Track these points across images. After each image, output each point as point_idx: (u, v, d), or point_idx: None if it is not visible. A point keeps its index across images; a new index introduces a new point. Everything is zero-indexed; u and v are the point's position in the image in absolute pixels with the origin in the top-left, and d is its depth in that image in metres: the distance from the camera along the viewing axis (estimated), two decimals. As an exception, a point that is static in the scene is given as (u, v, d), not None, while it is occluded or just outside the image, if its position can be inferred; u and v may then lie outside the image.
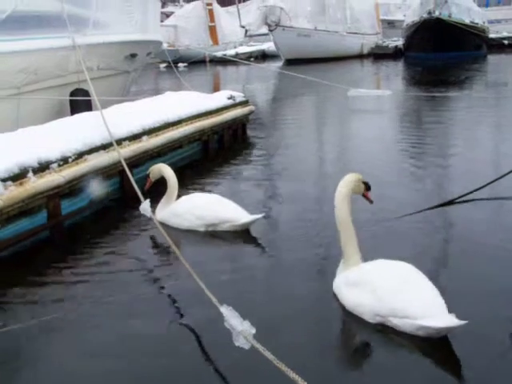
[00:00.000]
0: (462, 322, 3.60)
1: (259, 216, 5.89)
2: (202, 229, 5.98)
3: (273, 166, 9.09)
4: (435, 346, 3.73)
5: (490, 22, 38.33)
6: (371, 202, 4.73)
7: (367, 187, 4.66)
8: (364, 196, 4.70)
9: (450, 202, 6.55)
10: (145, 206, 5.75)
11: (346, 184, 4.51)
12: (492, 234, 5.68)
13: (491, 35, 37.13)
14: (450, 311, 3.76)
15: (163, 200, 6.39)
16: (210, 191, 7.50)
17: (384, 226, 6.02)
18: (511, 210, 6.61)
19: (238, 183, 8.19)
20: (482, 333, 3.82)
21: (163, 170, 6.60)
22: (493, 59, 32.30)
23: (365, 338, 3.89)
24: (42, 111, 9.65)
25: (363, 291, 4.08)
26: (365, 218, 6.27)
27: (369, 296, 4.02)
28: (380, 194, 7.10)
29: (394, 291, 3.92)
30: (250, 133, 11.60)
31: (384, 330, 3.90)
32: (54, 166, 6.44)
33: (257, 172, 8.63)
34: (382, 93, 15.37)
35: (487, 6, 42.09)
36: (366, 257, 4.48)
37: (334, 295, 4.36)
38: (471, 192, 6.66)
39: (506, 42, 37.15)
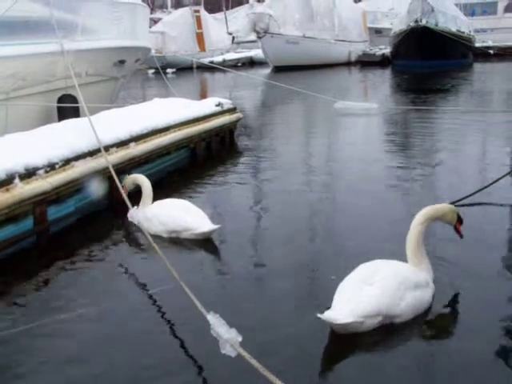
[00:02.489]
0: (342, 321, 3.77)
1: (217, 226, 5.92)
2: (165, 235, 6.01)
3: (259, 173, 9.12)
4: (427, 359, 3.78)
5: (476, 31, 38.68)
6: (461, 236, 4.87)
7: (460, 220, 4.82)
8: (455, 228, 4.84)
9: None
10: (133, 213, 5.79)
11: (431, 210, 4.68)
12: (483, 239, 5.79)
13: (477, 44, 37.47)
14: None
15: (140, 205, 6.41)
16: (196, 198, 7.54)
17: (378, 229, 6.14)
18: (498, 214, 6.71)
19: (224, 190, 8.20)
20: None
21: (137, 178, 6.66)
22: (479, 68, 32.59)
23: (353, 348, 3.90)
24: (30, 117, 9.62)
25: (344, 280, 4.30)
26: (359, 222, 6.35)
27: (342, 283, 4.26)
28: (370, 200, 7.23)
29: (347, 281, 4.18)
30: (237, 140, 11.63)
31: (372, 342, 3.93)
32: (41, 172, 6.42)
33: (243, 179, 8.66)
34: (368, 106, 15.45)
35: (473, 15, 42.45)
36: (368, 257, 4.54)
37: None
38: (463, 198, 6.76)
39: (491, 51, 37.47)
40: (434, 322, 4.25)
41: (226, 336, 3.30)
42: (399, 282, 4.15)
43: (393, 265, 4.38)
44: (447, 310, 4.44)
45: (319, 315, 3.85)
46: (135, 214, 5.78)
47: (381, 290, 4.03)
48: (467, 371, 3.62)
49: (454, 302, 4.54)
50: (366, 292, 4.00)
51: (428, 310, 4.31)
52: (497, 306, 4.42)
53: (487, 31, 41.16)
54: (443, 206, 4.84)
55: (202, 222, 6.00)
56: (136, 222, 5.84)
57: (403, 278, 4.21)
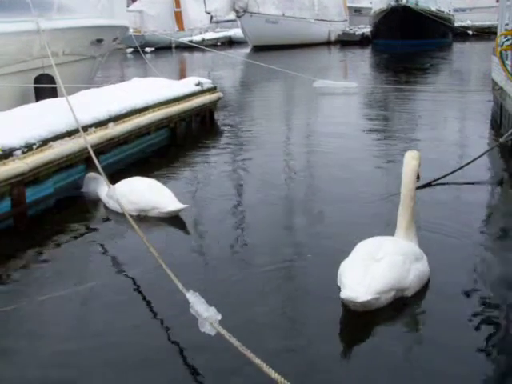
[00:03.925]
0: (363, 299, 3.80)
1: (185, 206, 5.96)
2: (134, 213, 5.95)
3: (239, 152, 9.10)
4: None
5: (455, 10, 38.77)
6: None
7: None
8: None
9: (424, 186, 6.64)
10: (110, 192, 5.80)
11: (415, 158, 4.56)
12: (458, 216, 5.92)
13: (456, 24, 37.59)
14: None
15: (101, 187, 6.45)
16: (175, 178, 7.58)
17: (358, 208, 6.20)
18: (477, 192, 6.80)
19: (203, 170, 8.18)
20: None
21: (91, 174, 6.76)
22: (458, 47, 32.74)
23: (332, 322, 3.94)
24: (6, 97, 9.49)
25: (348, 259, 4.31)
26: (337, 201, 6.38)
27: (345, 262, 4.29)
28: (351, 179, 7.27)
29: (353, 261, 4.21)
30: (217, 119, 11.59)
31: (355, 318, 3.97)
32: (18, 153, 6.36)
33: (223, 159, 8.65)
34: (347, 84, 15.48)
35: (452, -6, 42.52)
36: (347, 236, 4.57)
37: None
38: (435, 180, 6.82)
39: (470, 32, 37.56)
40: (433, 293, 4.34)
41: (206, 314, 3.32)
42: (404, 256, 4.24)
43: (392, 240, 4.44)
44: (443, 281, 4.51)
45: (341, 295, 3.86)
46: (113, 193, 5.79)
47: (390, 266, 4.09)
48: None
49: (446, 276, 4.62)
50: (377, 269, 4.04)
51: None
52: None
53: (466, 10, 41.29)
54: (411, 156, 4.60)
55: (170, 201, 6.03)
56: (106, 202, 6.14)
57: (405, 251, 4.30)
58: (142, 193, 6.10)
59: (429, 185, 6.73)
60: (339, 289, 4.10)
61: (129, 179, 6.45)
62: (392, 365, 3.51)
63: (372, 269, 4.03)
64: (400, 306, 4.11)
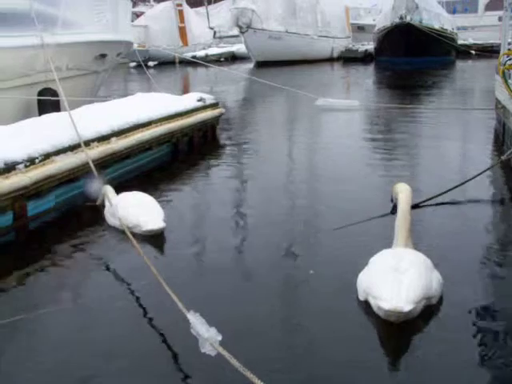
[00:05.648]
0: (407, 308, 3.84)
1: (164, 225, 5.84)
2: (123, 229, 5.74)
3: (241, 169, 9.10)
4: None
5: (457, 28, 39.03)
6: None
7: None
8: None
9: (416, 206, 6.62)
10: (112, 209, 5.78)
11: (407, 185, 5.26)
12: (454, 236, 5.88)
13: (459, 42, 37.82)
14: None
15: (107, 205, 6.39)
16: (175, 194, 7.56)
17: (351, 228, 6.11)
18: (471, 213, 6.76)
19: (204, 186, 8.18)
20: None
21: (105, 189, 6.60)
22: (460, 65, 32.86)
23: (339, 340, 3.91)
24: (10, 111, 9.52)
25: (366, 269, 4.45)
26: (333, 220, 6.35)
27: (364, 274, 4.41)
28: (350, 198, 7.24)
29: (379, 274, 4.22)
30: (219, 135, 11.60)
31: (367, 334, 3.96)
32: (21, 166, 6.36)
33: (224, 175, 8.63)
34: (350, 103, 15.48)
35: (454, 12, 42.78)
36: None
37: None
38: (435, 196, 6.81)
39: (473, 52, 37.69)
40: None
41: (206, 335, 3.29)
42: (425, 265, 4.32)
43: (407, 252, 4.49)
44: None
45: (384, 307, 3.87)
46: (115, 209, 5.77)
47: (418, 276, 4.14)
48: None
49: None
50: (407, 279, 4.07)
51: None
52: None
53: (468, 29, 41.57)
54: (402, 184, 5.35)
55: (152, 220, 5.89)
56: (106, 217, 6.23)
57: (423, 261, 4.38)
58: (128, 209, 5.97)
59: (429, 201, 6.72)
60: (363, 304, 4.19)
61: (120, 195, 6.40)
62: None
63: (402, 280, 4.07)
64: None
